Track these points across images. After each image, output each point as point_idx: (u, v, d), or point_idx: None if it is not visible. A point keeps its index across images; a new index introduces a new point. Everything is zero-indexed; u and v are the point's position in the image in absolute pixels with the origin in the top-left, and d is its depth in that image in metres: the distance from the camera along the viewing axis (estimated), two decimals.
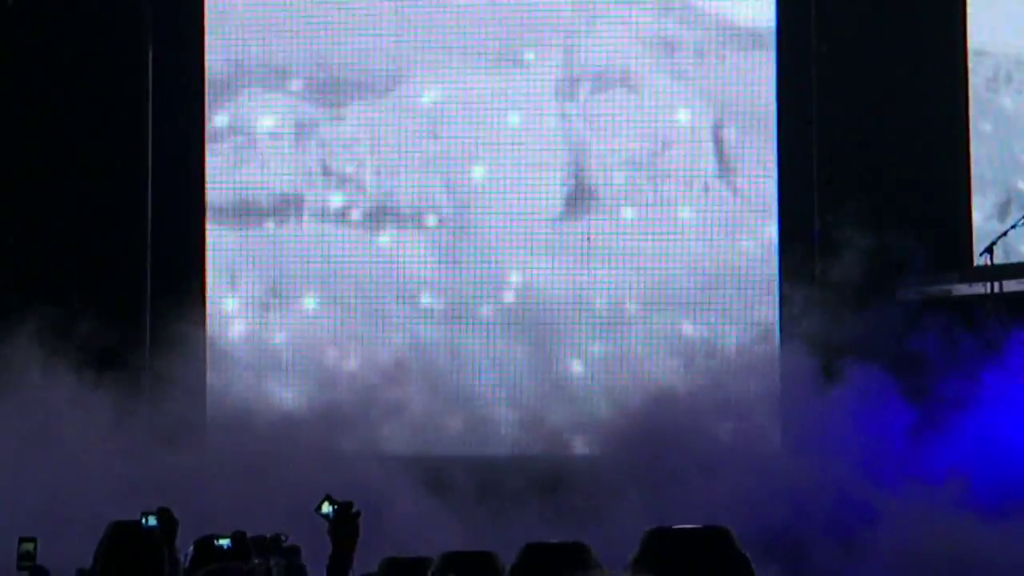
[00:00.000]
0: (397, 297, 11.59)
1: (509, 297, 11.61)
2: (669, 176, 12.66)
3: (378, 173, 12.86)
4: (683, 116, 12.73)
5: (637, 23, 11.98)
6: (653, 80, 13.03)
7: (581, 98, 13.39)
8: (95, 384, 10.76)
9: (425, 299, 11.60)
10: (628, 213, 12.97)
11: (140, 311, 11.51)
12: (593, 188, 13.12)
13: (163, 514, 7.56)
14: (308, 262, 12.26)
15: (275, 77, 12.54)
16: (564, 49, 12.73)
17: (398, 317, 11.58)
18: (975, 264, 12.06)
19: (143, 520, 7.39)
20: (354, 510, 7.57)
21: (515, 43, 13.01)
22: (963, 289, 11.88)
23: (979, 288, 11.75)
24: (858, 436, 10.83)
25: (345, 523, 7.51)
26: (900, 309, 11.55)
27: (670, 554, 8.62)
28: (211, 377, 12.25)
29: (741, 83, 12.59)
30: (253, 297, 12.21)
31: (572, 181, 13.16)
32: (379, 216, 12.66)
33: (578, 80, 13.37)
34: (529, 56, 13.30)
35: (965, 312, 11.53)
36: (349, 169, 12.00)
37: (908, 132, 12.34)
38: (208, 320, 12.00)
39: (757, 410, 11.42)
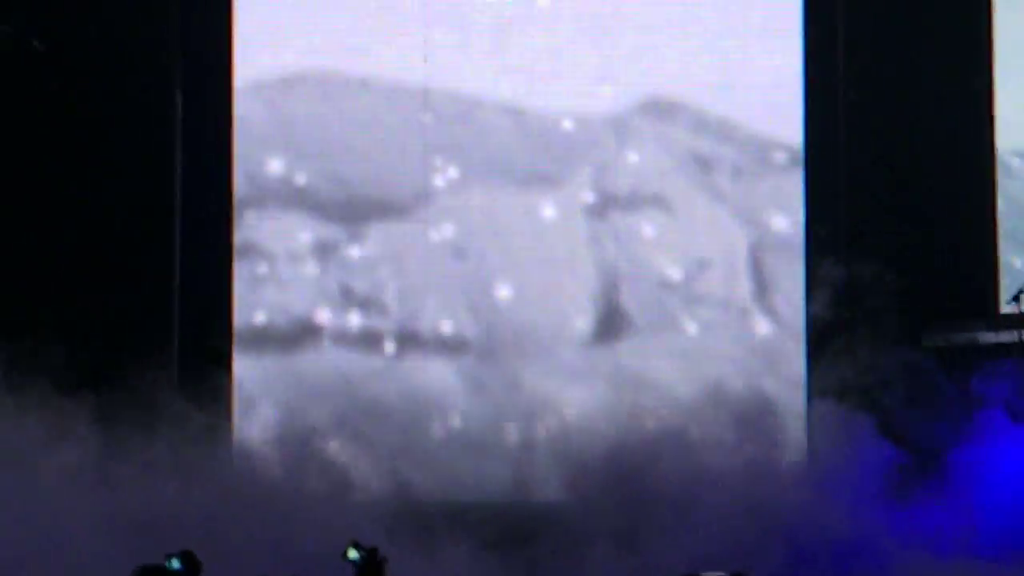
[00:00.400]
0: (418, 423, 11.24)
1: (539, 428, 11.32)
2: (703, 301, 12.36)
3: (401, 295, 12.38)
4: (718, 238, 12.46)
5: (670, 140, 11.95)
6: (688, 200, 12.54)
7: (612, 218, 12.83)
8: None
9: (448, 424, 11.29)
10: (661, 339, 12.46)
11: None
12: (625, 311, 12.61)
13: (187, 557, 7.63)
14: (327, 392, 11.86)
15: (296, 196, 12.43)
16: (595, 166, 12.39)
17: (419, 444, 11.29)
18: (1002, 312, 11.84)
19: (168, 563, 7.45)
20: (380, 556, 7.75)
21: (543, 160, 12.74)
22: (990, 337, 11.72)
23: (1006, 336, 11.56)
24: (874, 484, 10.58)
25: (371, 569, 7.68)
26: (927, 357, 11.42)
27: None
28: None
29: (776, 203, 12.42)
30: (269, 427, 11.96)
31: (603, 304, 12.60)
32: (402, 339, 12.13)
33: (609, 199, 12.80)
34: (558, 174, 12.77)
35: (992, 360, 11.42)
36: (370, 291, 11.81)
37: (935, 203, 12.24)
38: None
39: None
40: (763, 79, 12.50)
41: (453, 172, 12.20)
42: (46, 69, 12.31)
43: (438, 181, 12.61)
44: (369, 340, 11.75)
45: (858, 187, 12.25)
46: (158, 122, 12.45)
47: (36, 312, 11.25)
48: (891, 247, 11.89)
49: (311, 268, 12.39)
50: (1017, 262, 12.34)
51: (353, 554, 7.76)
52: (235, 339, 12.22)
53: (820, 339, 11.88)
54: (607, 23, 12.67)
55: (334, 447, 11.82)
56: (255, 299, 12.20)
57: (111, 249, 12.11)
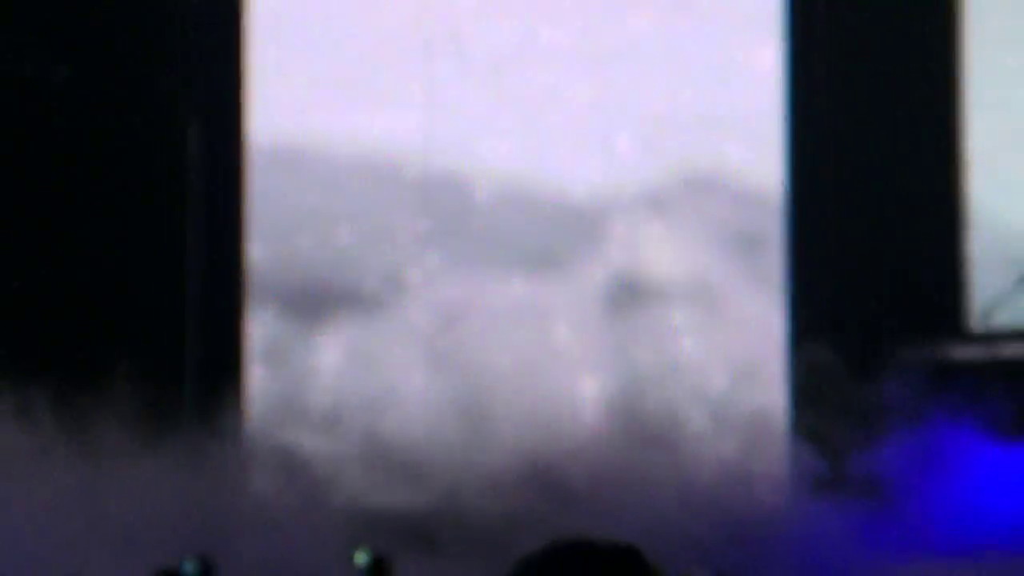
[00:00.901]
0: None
1: None
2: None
3: (369, 410, 11.21)
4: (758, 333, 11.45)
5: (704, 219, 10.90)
6: (729, 288, 11.59)
7: (632, 310, 12.00)
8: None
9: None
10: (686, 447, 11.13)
11: None
12: (645, 418, 11.30)
13: (203, 561, 8.00)
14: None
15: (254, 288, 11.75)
16: (621, 247, 11.53)
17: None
18: (972, 331, 12.02)
19: (182, 567, 7.81)
20: (385, 560, 8.09)
21: (555, 246, 11.76)
22: (962, 354, 11.84)
23: (977, 353, 11.75)
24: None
25: (378, 573, 8.00)
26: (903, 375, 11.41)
27: None
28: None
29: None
30: None
31: (620, 408, 11.45)
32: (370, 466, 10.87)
33: (631, 289, 11.93)
34: (572, 261, 11.76)
35: (963, 377, 11.56)
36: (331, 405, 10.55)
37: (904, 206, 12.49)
38: None
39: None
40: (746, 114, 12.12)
41: (436, 258, 11.12)
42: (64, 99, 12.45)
43: (419, 268, 11.46)
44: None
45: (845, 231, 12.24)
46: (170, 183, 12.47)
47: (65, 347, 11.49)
48: (875, 269, 11.95)
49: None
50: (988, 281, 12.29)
51: (361, 559, 8.16)
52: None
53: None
54: (607, 61, 11.91)
55: None
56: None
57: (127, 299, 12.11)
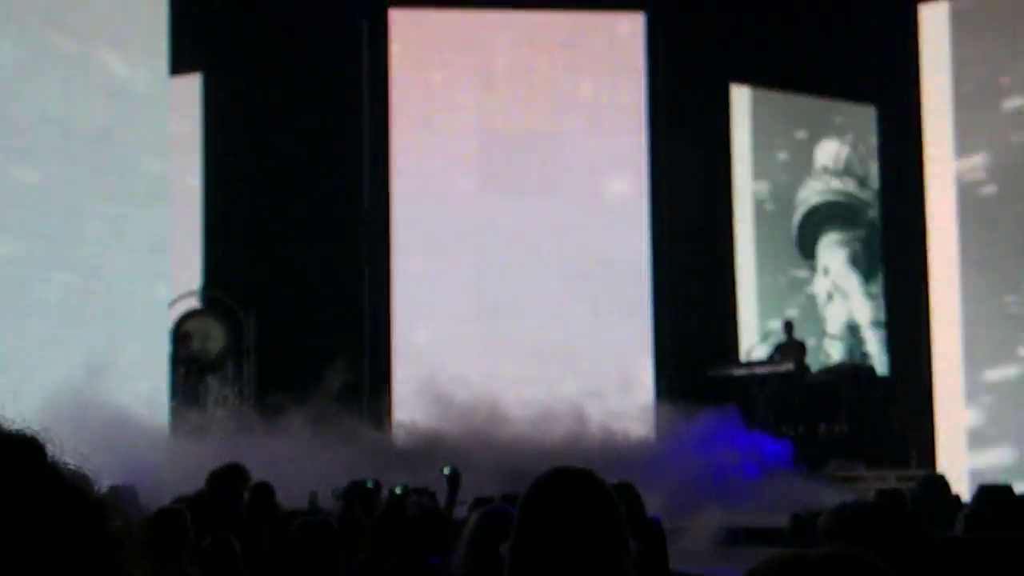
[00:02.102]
0: None
1: None
2: None
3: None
4: None
5: None
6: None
7: None
8: None
9: None
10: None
11: None
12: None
13: (454, 469, 8.21)
14: None
15: None
16: None
17: None
18: (740, 360, 15.53)
19: (443, 470, 8.24)
20: (457, 472, 8.49)
21: None
22: (736, 372, 15.09)
23: (742, 371, 14.93)
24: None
25: (455, 480, 8.44)
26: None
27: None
28: None
29: None
30: None
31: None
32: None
33: None
34: None
35: (735, 384, 14.69)
36: None
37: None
38: None
39: None
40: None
41: None
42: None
43: None
44: None
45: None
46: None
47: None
48: (693, 324, 15.54)
49: None
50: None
51: (446, 470, 8.42)
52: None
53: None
54: None
55: None
56: None
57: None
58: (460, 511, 7.86)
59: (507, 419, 13.60)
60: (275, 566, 6.56)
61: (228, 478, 7.46)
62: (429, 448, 12.49)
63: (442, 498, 8.33)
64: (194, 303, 15.01)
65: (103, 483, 1.14)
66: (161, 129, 13.57)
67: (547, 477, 2.28)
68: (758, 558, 1.34)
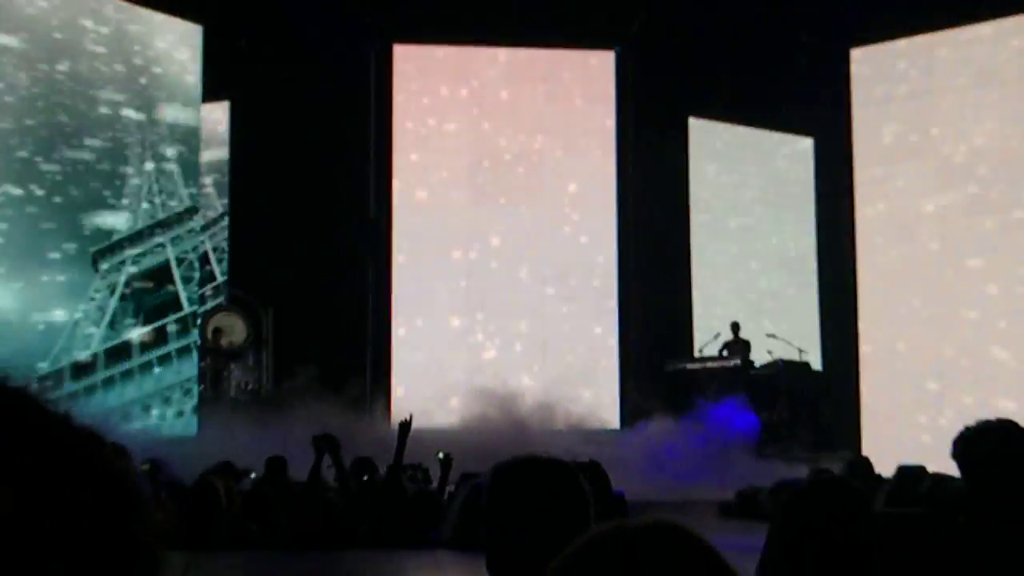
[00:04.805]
0: None
1: None
2: None
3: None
4: None
5: None
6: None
7: None
8: None
9: None
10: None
11: None
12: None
13: (446, 454, 8.09)
14: None
15: None
16: None
17: None
18: (695, 355, 15.19)
19: (438, 454, 8.17)
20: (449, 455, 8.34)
21: None
22: (691, 365, 14.87)
23: (697, 366, 14.69)
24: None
25: (447, 463, 8.32)
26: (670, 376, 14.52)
27: None
28: None
29: None
30: None
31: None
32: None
33: None
34: None
35: (689, 376, 14.52)
36: None
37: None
38: None
39: None
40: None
41: None
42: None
43: None
44: None
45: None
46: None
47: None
48: (655, 325, 15.39)
49: None
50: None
51: (440, 455, 8.42)
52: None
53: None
54: None
55: None
56: None
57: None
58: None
59: (493, 402, 13.62)
60: (287, 531, 6.91)
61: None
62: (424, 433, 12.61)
63: (435, 476, 8.36)
64: (220, 300, 15.06)
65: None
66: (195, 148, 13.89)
67: (509, 466, 2.17)
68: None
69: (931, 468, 6.53)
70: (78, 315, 12.67)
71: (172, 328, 13.41)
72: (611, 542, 1.03)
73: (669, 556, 1.03)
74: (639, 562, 1.01)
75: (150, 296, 13.51)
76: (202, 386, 13.51)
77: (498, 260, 15.87)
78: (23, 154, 12.12)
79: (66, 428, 0.75)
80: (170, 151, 13.74)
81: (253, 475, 7.57)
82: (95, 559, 0.72)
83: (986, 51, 14.59)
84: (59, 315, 12.42)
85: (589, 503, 2.10)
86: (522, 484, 2.08)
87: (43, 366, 11.79)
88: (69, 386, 12.09)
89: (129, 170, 13.32)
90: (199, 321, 13.93)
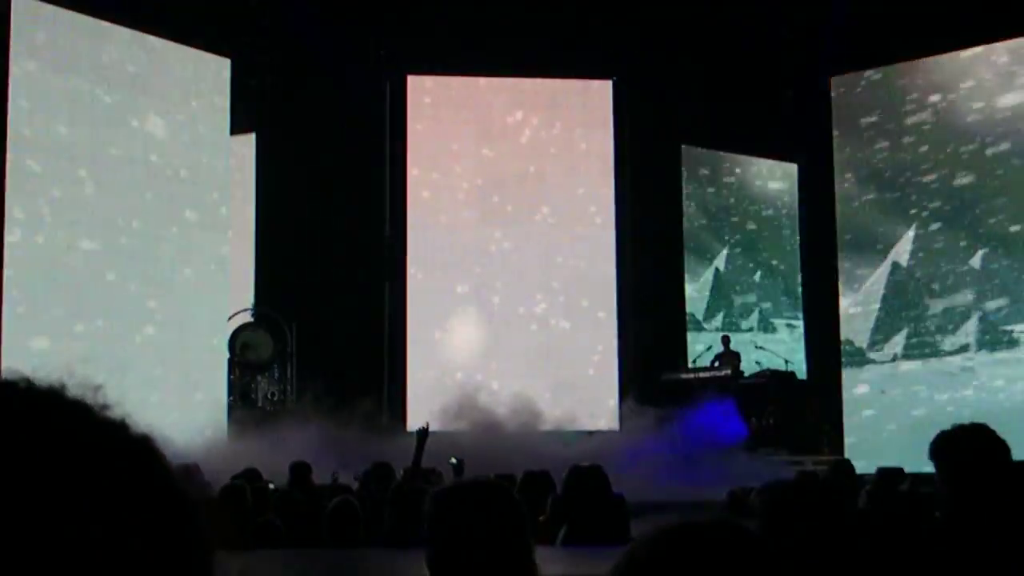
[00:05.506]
0: None
1: None
2: None
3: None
4: None
5: None
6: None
7: None
8: None
9: None
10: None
11: None
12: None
13: (459, 460, 7.91)
14: None
15: None
16: None
17: None
18: (688, 367, 15.33)
19: (451, 461, 7.94)
20: (462, 460, 8.20)
21: None
22: (684, 376, 14.87)
23: (689, 376, 14.78)
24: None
25: (460, 469, 8.17)
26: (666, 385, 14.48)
27: None
28: None
29: None
30: None
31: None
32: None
33: None
34: None
35: (683, 385, 14.40)
36: None
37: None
38: None
39: None
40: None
41: None
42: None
43: None
44: None
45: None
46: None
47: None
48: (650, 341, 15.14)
49: None
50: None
51: (453, 461, 8.24)
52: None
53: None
54: None
55: None
56: None
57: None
58: None
59: (500, 410, 13.61)
60: (308, 531, 6.62)
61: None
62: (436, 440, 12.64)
63: (448, 481, 8.32)
64: (248, 317, 15.03)
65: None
66: (224, 177, 13.76)
67: (445, 492, 2.16)
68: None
69: (908, 469, 6.73)
70: None
71: None
72: (677, 539, 1.01)
73: (733, 553, 1.02)
74: (705, 559, 1.00)
75: None
76: (231, 398, 13.60)
77: (505, 275, 15.81)
78: None
79: (124, 439, 0.70)
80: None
81: (272, 486, 7.45)
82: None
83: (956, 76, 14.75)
84: None
85: (524, 519, 2.09)
86: (459, 507, 2.07)
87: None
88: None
89: None
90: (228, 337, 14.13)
